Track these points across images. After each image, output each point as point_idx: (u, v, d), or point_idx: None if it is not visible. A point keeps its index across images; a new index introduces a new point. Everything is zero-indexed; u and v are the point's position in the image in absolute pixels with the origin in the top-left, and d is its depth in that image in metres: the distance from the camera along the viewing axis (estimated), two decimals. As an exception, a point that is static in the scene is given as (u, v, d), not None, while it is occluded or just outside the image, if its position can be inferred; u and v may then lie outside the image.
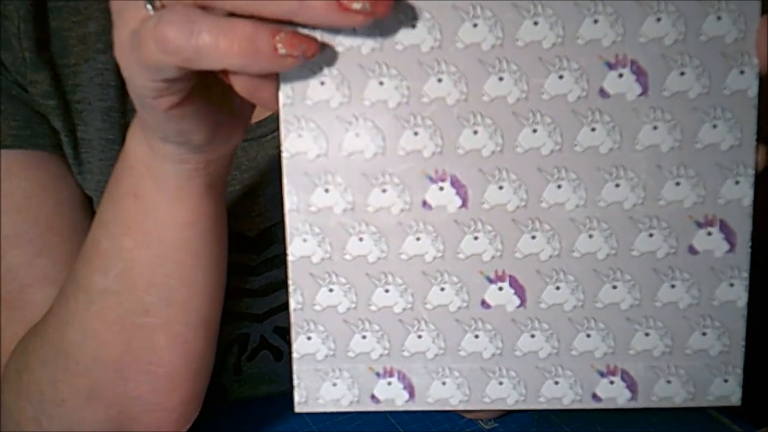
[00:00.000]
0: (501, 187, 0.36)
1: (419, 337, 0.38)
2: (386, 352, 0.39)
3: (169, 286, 0.45)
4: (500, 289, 0.37)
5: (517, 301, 0.37)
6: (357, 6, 0.28)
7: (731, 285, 0.36)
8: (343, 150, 0.36)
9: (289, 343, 0.66)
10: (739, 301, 0.37)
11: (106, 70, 0.56)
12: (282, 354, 0.66)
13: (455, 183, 0.36)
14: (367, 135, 0.36)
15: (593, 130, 0.36)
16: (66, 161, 0.57)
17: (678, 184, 0.36)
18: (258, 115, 0.58)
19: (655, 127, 0.35)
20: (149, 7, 0.32)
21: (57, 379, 0.48)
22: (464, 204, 0.36)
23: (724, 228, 0.36)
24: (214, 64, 0.31)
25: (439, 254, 0.37)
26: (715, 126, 0.35)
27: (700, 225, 0.36)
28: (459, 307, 0.37)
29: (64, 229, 0.55)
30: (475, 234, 0.36)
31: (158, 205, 0.42)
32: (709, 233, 0.36)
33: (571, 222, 0.36)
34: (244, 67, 0.31)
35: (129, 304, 0.45)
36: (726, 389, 0.38)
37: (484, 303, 0.37)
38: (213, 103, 0.38)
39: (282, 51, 0.30)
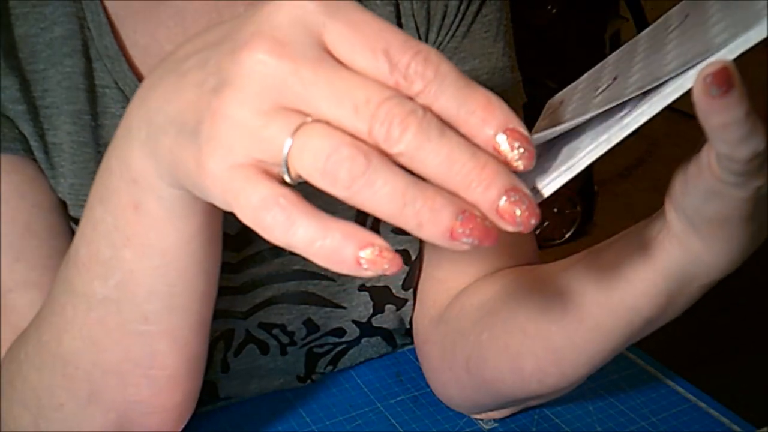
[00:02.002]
0: None
1: None
2: None
3: (170, 294, 0.44)
4: None
5: None
6: (466, 241, 0.31)
7: None
8: None
9: (274, 337, 0.66)
10: None
11: (73, 74, 0.56)
12: (268, 347, 0.65)
13: None
14: None
15: None
16: (39, 164, 0.56)
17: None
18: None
19: None
20: (288, 142, 0.31)
21: (55, 385, 0.48)
22: None
23: None
24: (298, 252, 0.32)
25: None
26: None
27: None
28: None
29: (41, 232, 0.55)
30: None
31: (162, 220, 0.41)
32: None
33: None
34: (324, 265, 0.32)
35: (128, 313, 0.45)
36: None
37: None
38: None
39: (364, 265, 0.31)
